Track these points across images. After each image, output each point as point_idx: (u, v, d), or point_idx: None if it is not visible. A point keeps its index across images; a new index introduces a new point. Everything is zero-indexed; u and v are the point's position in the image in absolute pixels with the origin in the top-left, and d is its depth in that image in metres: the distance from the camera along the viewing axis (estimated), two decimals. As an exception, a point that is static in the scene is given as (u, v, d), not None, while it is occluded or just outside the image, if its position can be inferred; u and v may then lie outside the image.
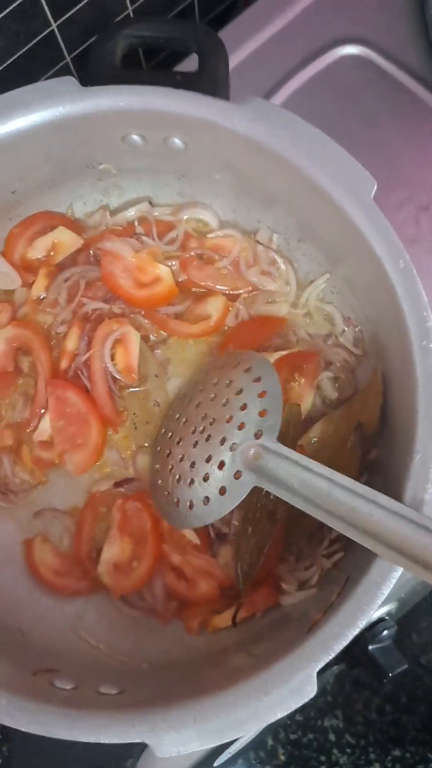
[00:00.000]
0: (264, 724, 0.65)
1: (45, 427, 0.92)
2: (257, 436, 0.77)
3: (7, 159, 0.81)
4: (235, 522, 0.88)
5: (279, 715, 0.65)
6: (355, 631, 0.66)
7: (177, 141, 0.82)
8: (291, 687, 0.65)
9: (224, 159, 0.83)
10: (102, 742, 0.65)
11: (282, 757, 1.14)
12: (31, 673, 0.74)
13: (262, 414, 0.78)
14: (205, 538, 0.88)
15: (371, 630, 0.98)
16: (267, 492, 0.76)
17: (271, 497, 0.83)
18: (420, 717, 1.13)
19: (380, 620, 0.99)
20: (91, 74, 0.80)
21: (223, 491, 0.78)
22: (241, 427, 0.78)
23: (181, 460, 0.83)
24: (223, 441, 0.79)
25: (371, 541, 0.66)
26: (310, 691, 0.65)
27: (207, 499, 0.78)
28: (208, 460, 0.79)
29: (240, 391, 0.81)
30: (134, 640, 0.86)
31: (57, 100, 0.77)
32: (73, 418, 0.91)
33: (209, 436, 0.81)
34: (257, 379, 0.81)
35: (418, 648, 1.15)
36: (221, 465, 0.78)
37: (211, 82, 0.79)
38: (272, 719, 0.65)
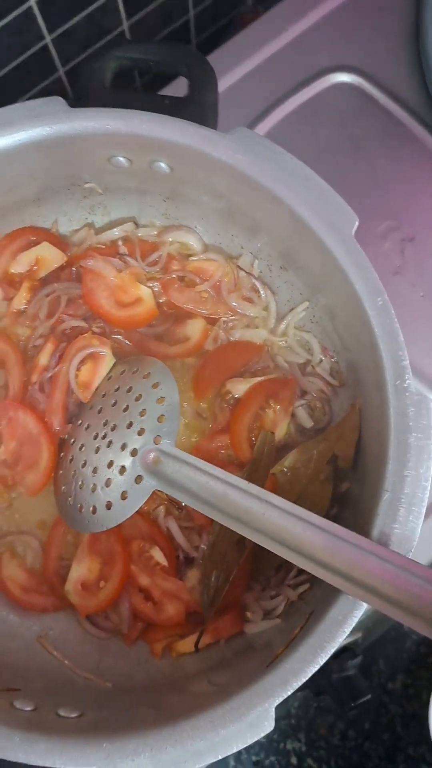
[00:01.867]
0: (220, 757, 0.65)
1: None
2: (156, 441, 0.80)
3: (-8, 175, 0.81)
4: (203, 546, 0.88)
5: (235, 749, 0.65)
6: (315, 668, 0.66)
7: (163, 165, 0.82)
8: (249, 721, 0.65)
9: (210, 185, 0.84)
10: (58, 767, 0.65)
11: (244, 779, 1.14)
12: (-9, 693, 0.73)
13: (160, 419, 0.81)
14: (173, 560, 0.88)
15: (336, 659, 0.99)
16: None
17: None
18: (384, 745, 1.13)
19: (345, 649, 0.99)
20: (80, 94, 0.80)
21: (124, 496, 0.80)
22: (141, 432, 0.81)
23: (84, 465, 0.84)
24: (123, 447, 0.81)
25: (263, 537, 0.70)
26: (267, 726, 0.65)
27: (109, 503, 0.81)
28: (110, 465, 0.81)
29: (139, 397, 0.84)
30: (98, 659, 0.86)
31: (44, 121, 0.77)
32: (25, 440, 0.90)
33: (110, 441, 0.83)
34: (155, 385, 0.84)
35: (385, 676, 1.15)
36: (122, 470, 0.80)
37: (199, 108, 0.80)
38: (229, 752, 0.65)
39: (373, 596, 0.64)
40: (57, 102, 0.77)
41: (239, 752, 1.19)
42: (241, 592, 0.86)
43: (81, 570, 0.88)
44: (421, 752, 1.12)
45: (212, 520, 0.86)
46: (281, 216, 0.78)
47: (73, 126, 0.77)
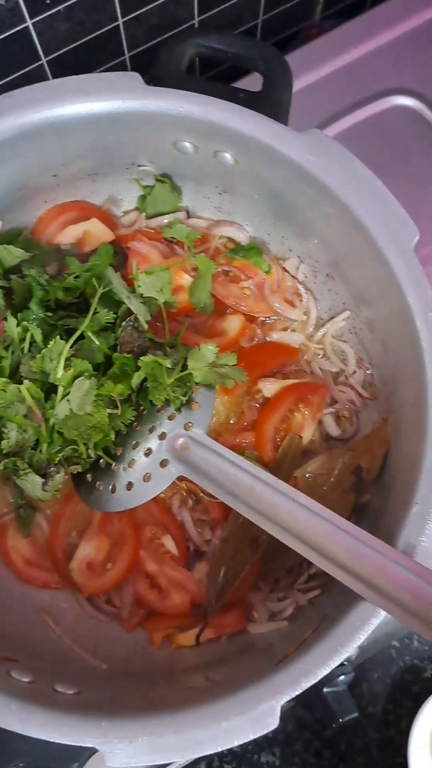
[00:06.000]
0: (219, 749, 0.65)
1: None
2: (187, 427, 0.80)
3: (56, 142, 0.81)
4: (216, 541, 0.88)
5: (236, 742, 0.65)
6: (326, 671, 0.66)
7: (228, 156, 0.83)
8: (253, 716, 0.64)
9: (270, 183, 0.84)
10: (53, 741, 0.64)
11: (212, 786, 1.13)
12: (-11, 659, 0.72)
13: (193, 407, 0.81)
14: (183, 551, 0.88)
15: (329, 673, 0.98)
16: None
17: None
18: (357, 768, 1.12)
19: (339, 664, 0.98)
20: (155, 74, 0.81)
21: (147, 478, 0.79)
22: (171, 417, 0.81)
23: None
24: (152, 429, 0.81)
25: (287, 535, 0.69)
26: (271, 723, 0.64)
27: (131, 484, 0.80)
28: (135, 446, 0.81)
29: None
30: (96, 641, 0.85)
31: (119, 94, 0.77)
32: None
33: (137, 423, 0.82)
34: None
35: (367, 699, 1.15)
36: (148, 452, 0.80)
37: (273, 105, 0.80)
38: (229, 745, 0.64)
39: (394, 605, 0.64)
40: (134, 77, 0.78)
41: (211, 758, 1.18)
42: (248, 591, 0.85)
43: (89, 549, 0.87)
44: (394, 781, 1.11)
45: (226, 516, 0.86)
46: (340, 221, 0.78)
47: (147, 103, 0.77)
